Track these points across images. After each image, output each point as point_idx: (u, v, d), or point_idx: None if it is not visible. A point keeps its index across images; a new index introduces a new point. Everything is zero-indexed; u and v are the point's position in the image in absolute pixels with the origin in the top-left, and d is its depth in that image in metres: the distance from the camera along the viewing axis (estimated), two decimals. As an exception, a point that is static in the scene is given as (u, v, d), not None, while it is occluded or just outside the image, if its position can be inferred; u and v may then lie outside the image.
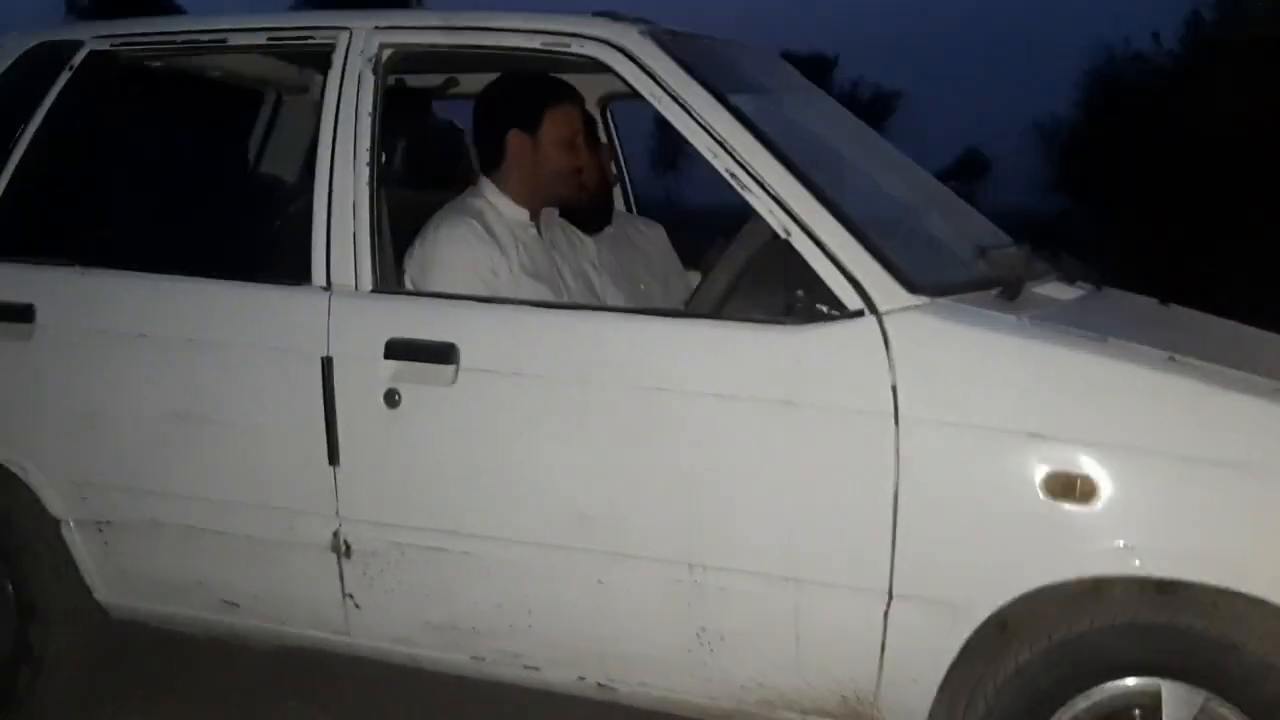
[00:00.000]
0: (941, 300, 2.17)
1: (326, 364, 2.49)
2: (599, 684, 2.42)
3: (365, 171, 2.55)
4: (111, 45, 2.89)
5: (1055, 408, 2.04)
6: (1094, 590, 2.04)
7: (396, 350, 2.44)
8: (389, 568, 2.51)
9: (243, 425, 2.60)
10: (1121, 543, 2.00)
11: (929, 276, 2.21)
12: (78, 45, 2.90)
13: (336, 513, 2.53)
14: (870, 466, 2.12)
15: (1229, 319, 2.79)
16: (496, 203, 2.79)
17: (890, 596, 2.13)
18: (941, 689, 2.13)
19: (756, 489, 2.22)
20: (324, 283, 2.54)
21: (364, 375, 2.46)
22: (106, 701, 3.00)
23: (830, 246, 2.18)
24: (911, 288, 2.16)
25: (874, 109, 34.79)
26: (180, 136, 3.14)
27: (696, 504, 2.26)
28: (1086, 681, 2.04)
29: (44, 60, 2.94)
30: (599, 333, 2.39)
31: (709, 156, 2.31)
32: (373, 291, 2.52)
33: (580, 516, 2.35)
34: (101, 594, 2.81)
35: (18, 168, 2.85)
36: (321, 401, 2.49)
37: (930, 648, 2.12)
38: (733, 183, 2.28)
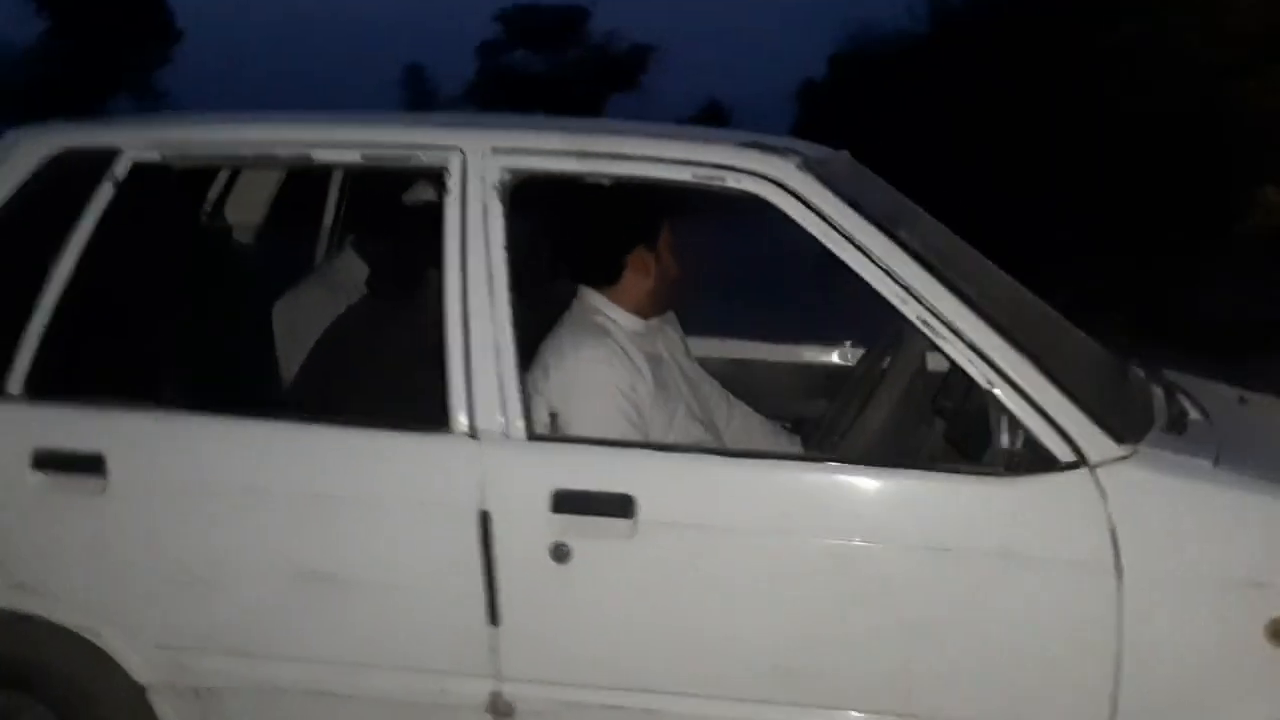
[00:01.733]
0: (1142, 449, 2.24)
1: (484, 518, 2.35)
2: None
3: (506, 311, 2.40)
4: (162, 156, 2.59)
5: (1275, 556, 2.16)
6: None
7: (565, 503, 2.33)
8: (558, 726, 2.41)
9: (382, 584, 2.42)
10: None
11: (1121, 423, 2.28)
12: (114, 153, 2.59)
13: (497, 673, 2.40)
14: (1092, 616, 2.18)
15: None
16: (617, 318, 2.70)
17: (1110, 741, 2.21)
18: None
19: (974, 639, 2.25)
20: (467, 429, 2.39)
21: (528, 530, 2.34)
22: None
23: (1038, 400, 2.22)
24: (1117, 438, 2.22)
25: (628, 62, 34.88)
26: (249, 252, 2.85)
27: (909, 655, 2.27)
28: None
29: (74, 170, 2.61)
30: (794, 483, 2.35)
31: (896, 303, 2.29)
32: (528, 439, 2.38)
33: (780, 669, 2.32)
34: (193, 761, 2.58)
35: (63, 297, 2.53)
36: (480, 558, 2.35)
37: None
38: (924, 330, 2.28)
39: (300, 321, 3.14)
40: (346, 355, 2.77)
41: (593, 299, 2.73)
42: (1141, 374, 2.83)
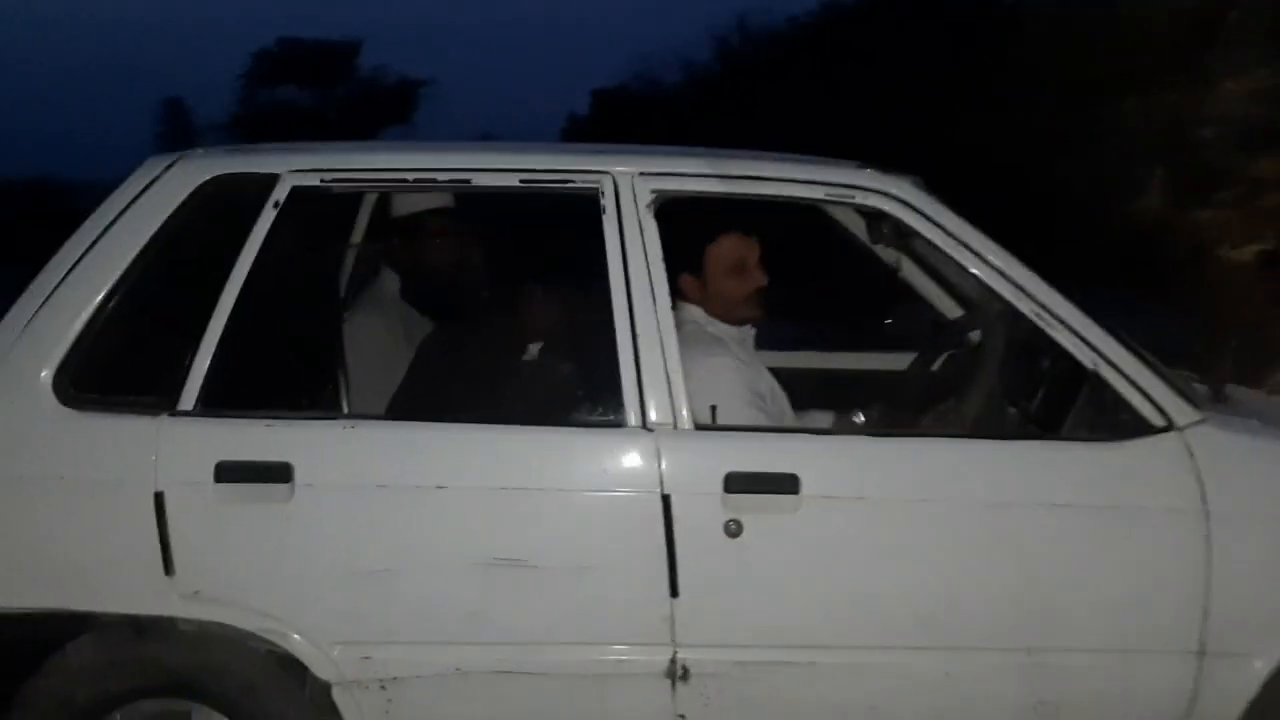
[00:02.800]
0: (1211, 414, 2.73)
1: (665, 502, 2.62)
2: None
3: (668, 316, 2.69)
4: (322, 180, 2.75)
5: None
6: None
7: (736, 483, 2.63)
8: (728, 686, 2.69)
9: (569, 566, 2.65)
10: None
11: (1190, 388, 2.77)
12: (273, 179, 2.74)
13: (673, 640, 2.66)
14: (1186, 552, 2.64)
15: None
16: (717, 328, 3.03)
17: (1202, 654, 2.67)
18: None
19: (1089, 579, 2.67)
20: (640, 423, 2.66)
21: (703, 509, 2.63)
22: None
23: (1134, 376, 2.67)
24: (1195, 405, 2.70)
25: (397, 96, 34.80)
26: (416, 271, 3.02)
27: (1036, 598, 2.67)
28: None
29: (231, 195, 2.74)
30: (937, 455, 2.72)
31: (1012, 298, 2.71)
32: (696, 429, 2.68)
33: (926, 619, 2.68)
34: (372, 753, 2.72)
35: (231, 316, 2.66)
36: (662, 538, 2.62)
37: (1234, 690, 2.69)
38: (1038, 320, 2.70)
39: (365, 341, 3.31)
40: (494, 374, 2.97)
41: (691, 312, 3.05)
42: None
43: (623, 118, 27.44)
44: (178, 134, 35.40)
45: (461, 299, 3.37)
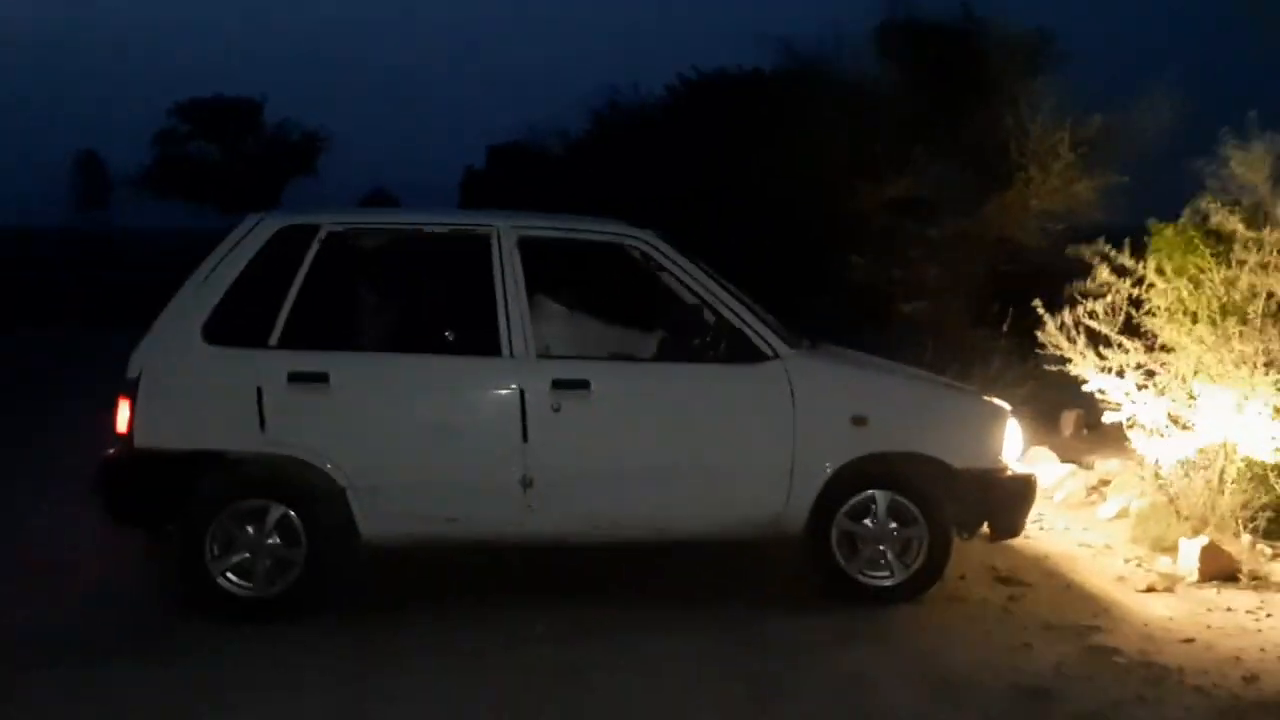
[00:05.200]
0: (802, 351, 5.38)
1: (521, 393, 5.16)
2: (658, 530, 5.33)
3: (524, 300, 5.26)
4: (343, 227, 5.28)
5: (860, 392, 5.38)
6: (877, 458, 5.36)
7: (558, 385, 5.19)
8: (555, 489, 5.21)
9: (472, 426, 5.19)
10: (880, 436, 5.33)
11: (791, 339, 5.41)
12: (317, 228, 5.26)
13: (524, 464, 5.18)
14: (787, 422, 5.27)
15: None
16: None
17: (792, 470, 5.29)
18: (811, 509, 5.34)
19: (738, 436, 5.29)
20: (509, 353, 5.20)
21: (541, 397, 5.17)
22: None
23: (760, 332, 5.31)
24: (790, 345, 5.35)
25: (302, 150, 37.28)
26: (393, 274, 5.56)
27: (712, 445, 5.27)
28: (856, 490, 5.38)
29: (294, 237, 5.24)
30: (661, 372, 5.34)
31: (704, 297, 5.34)
32: (538, 357, 5.24)
33: (655, 456, 5.25)
34: (364, 527, 5.18)
35: (295, 301, 5.14)
36: (519, 411, 5.16)
37: (813, 484, 5.31)
38: (716, 306, 5.33)
39: None
40: None
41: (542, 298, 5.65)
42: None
43: (511, 172, 29.80)
44: (94, 185, 37.04)
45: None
